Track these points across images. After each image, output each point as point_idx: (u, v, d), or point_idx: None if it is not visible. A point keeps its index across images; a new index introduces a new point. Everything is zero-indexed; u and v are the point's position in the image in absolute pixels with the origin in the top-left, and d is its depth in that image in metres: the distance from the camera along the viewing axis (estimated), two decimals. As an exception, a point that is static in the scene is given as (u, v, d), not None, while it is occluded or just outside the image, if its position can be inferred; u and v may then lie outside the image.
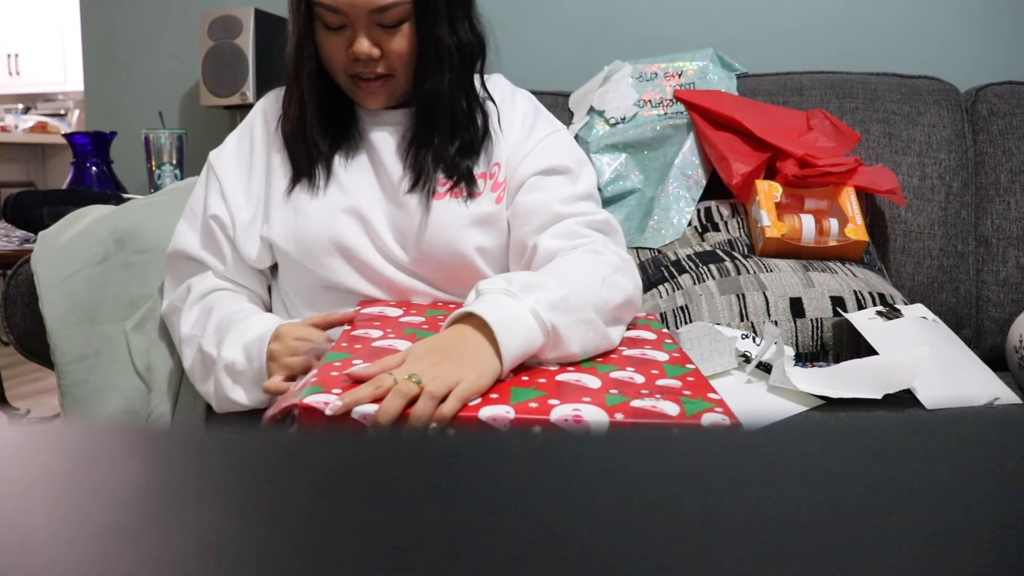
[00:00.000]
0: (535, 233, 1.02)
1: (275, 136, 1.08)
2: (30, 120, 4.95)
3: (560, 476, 0.20)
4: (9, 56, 5.35)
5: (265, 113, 1.11)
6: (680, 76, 1.59)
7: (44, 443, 0.22)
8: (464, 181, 1.03)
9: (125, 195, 1.63)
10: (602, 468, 0.20)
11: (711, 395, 0.72)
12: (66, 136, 1.98)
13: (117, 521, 0.17)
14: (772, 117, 1.48)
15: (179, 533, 0.16)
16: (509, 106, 1.10)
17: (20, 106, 5.34)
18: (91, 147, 1.96)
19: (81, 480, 0.19)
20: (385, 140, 1.06)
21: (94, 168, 1.96)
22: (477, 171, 1.05)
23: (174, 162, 1.95)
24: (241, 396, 0.96)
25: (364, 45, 0.97)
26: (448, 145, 1.04)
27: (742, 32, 1.85)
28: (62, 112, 5.23)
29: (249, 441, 0.23)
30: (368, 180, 1.05)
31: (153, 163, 1.96)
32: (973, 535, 0.16)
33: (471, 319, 0.78)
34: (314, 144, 1.04)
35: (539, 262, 0.99)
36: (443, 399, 0.70)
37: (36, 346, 1.18)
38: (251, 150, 1.09)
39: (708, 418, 0.67)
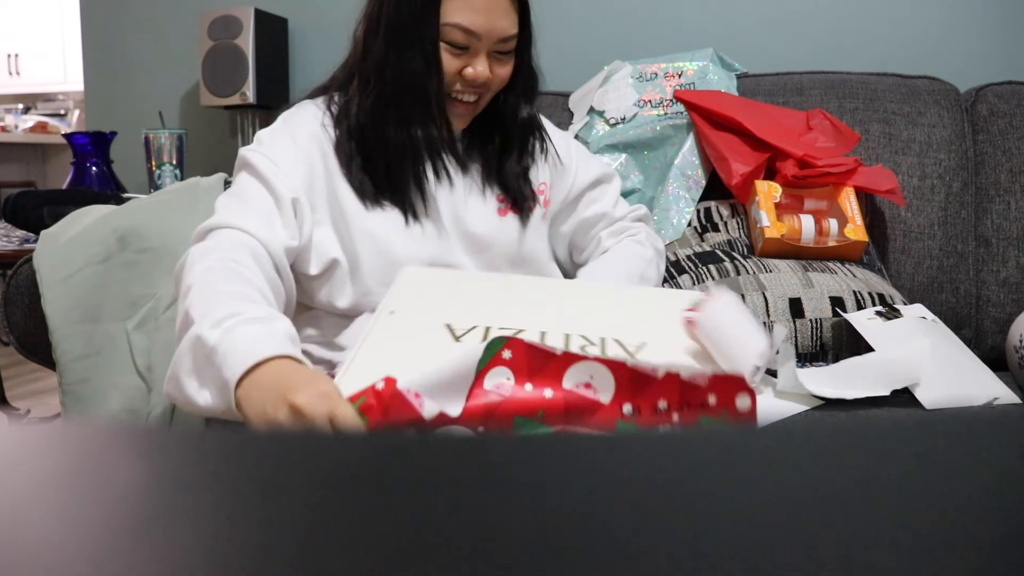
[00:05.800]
0: (597, 233, 1.23)
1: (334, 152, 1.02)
2: (30, 120, 4.95)
3: (560, 477, 0.20)
4: (9, 56, 5.34)
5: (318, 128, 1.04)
6: (680, 76, 1.59)
7: (44, 443, 0.22)
8: (522, 197, 1.11)
9: (125, 195, 1.63)
10: (602, 469, 0.20)
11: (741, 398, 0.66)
12: (66, 136, 1.98)
13: (117, 521, 0.17)
14: (772, 117, 1.48)
15: (179, 533, 0.16)
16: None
17: (20, 106, 5.33)
18: (91, 147, 1.96)
19: (81, 480, 0.19)
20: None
21: (94, 168, 1.96)
22: (528, 189, 1.13)
23: (174, 162, 1.95)
24: (206, 398, 0.75)
25: (484, 69, 1.02)
26: (518, 163, 1.13)
27: (742, 32, 1.84)
28: (62, 112, 5.23)
29: (249, 441, 0.23)
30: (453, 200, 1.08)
31: (153, 163, 1.96)
32: (973, 535, 0.17)
33: None
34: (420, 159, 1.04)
35: (597, 255, 1.22)
36: None
37: (36, 346, 1.18)
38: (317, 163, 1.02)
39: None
